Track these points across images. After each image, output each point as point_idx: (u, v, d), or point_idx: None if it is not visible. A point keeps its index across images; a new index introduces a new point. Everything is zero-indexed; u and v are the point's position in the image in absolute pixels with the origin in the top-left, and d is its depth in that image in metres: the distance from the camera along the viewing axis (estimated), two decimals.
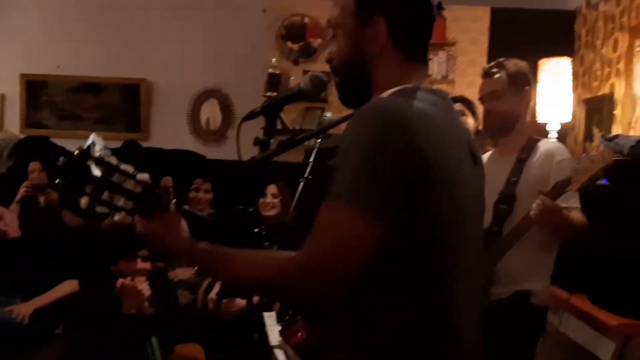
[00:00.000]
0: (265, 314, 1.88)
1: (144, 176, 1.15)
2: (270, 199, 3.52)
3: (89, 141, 1.11)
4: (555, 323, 2.48)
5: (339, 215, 1.01)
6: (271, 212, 3.50)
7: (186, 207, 1.23)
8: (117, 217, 1.16)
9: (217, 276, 1.21)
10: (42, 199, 4.05)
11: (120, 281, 2.75)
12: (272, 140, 1.50)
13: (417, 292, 1.06)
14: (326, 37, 1.24)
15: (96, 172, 1.10)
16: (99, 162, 1.10)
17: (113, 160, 1.12)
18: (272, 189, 3.54)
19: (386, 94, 1.15)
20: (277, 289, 1.08)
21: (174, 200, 1.21)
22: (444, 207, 1.06)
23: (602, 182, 2.08)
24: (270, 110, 1.45)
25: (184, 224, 1.20)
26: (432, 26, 1.21)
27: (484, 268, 2.09)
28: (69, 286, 3.25)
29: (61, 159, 1.09)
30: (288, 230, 2.76)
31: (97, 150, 1.11)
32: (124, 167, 1.14)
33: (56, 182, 1.09)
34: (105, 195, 1.12)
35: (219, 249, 1.14)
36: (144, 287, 2.74)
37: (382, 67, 1.18)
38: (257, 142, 1.49)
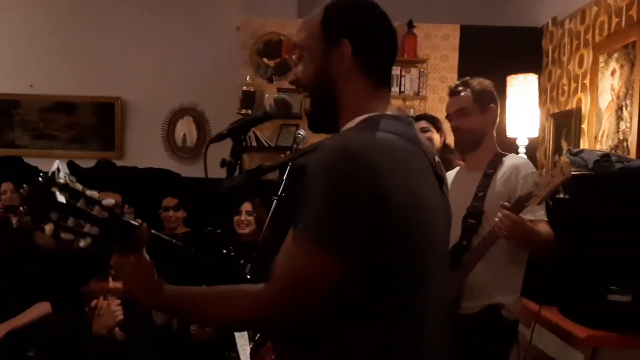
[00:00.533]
0: (237, 334, 1.89)
1: (109, 201, 1.15)
2: (245, 217, 3.53)
3: (54, 167, 1.13)
4: (526, 335, 2.52)
5: (302, 252, 1.04)
6: (246, 230, 3.51)
7: (153, 231, 1.23)
8: (82, 244, 1.15)
9: (187, 320, 1.25)
10: (14, 220, 4.00)
11: (94, 301, 2.71)
12: (239, 162, 1.52)
13: (382, 321, 1.08)
14: (292, 60, 1.26)
15: (61, 198, 1.10)
16: (64, 188, 1.11)
17: (78, 186, 1.12)
18: (246, 206, 3.55)
19: (353, 123, 1.17)
20: (246, 325, 1.17)
21: (144, 224, 1.21)
22: (409, 242, 1.09)
23: (562, 195, 2.14)
24: (237, 133, 1.47)
25: (150, 268, 1.20)
26: (395, 52, 1.25)
27: (451, 289, 2.12)
28: (41, 308, 3.19)
29: (25, 186, 1.09)
30: (262, 248, 2.77)
31: (62, 177, 1.11)
32: (90, 192, 1.14)
33: (20, 209, 1.09)
34: (71, 222, 1.13)
35: (187, 291, 1.17)
36: (118, 309, 2.70)
37: (348, 91, 1.19)
38: (224, 164, 1.51)
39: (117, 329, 2.69)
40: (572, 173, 2.07)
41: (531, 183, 2.11)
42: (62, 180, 1.10)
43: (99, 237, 1.14)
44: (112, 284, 2.80)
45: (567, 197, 2.25)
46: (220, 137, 1.50)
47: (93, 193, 1.14)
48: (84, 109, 5.32)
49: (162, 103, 5.24)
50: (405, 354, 1.11)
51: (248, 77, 4.60)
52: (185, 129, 5.35)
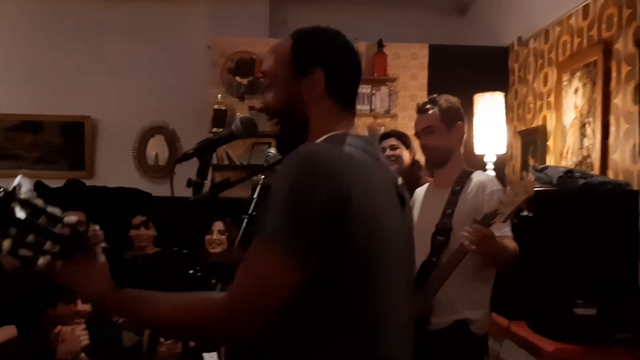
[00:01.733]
0: (206, 355, 1.87)
1: (71, 219, 1.14)
2: (217, 236, 3.51)
3: (15, 182, 1.10)
4: (496, 350, 2.54)
5: (262, 258, 1.04)
6: (217, 249, 3.49)
7: (120, 252, 1.22)
8: (40, 261, 1.13)
9: (142, 321, 1.19)
10: None
11: (58, 328, 2.64)
12: (205, 182, 1.52)
13: (342, 332, 1.09)
14: (260, 88, 1.27)
15: (20, 214, 1.08)
16: (25, 204, 1.09)
17: (39, 203, 1.11)
18: (218, 225, 3.54)
19: (318, 140, 1.19)
20: (200, 331, 1.09)
21: (104, 244, 1.20)
22: (369, 251, 1.10)
23: (525, 213, 2.18)
24: (203, 153, 1.48)
25: (104, 268, 1.16)
26: (360, 77, 1.28)
27: (419, 305, 2.14)
28: (6, 332, 3.11)
29: None
30: (233, 267, 2.75)
31: (23, 192, 1.10)
32: (51, 209, 1.12)
33: None
34: (30, 238, 1.11)
35: (143, 293, 1.13)
36: (83, 334, 2.63)
37: (317, 115, 1.22)
38: (190, 183, 1.51)
39: (82, 355, 2.63)
40: (535, 190, 2.12)
41: (497, 200, 2.15)
42: (23, 196, 1.09)
43: (59, 254, 1.13)
44: (80, 306, 2.74)
45: (530, 215, 2.29)
46: (186, 157, 1.51)
47: (54, 210, 1.13)
48: (50, 128, 5.25)
49: (133, 122, 5.21)
50: None
51: (219, 95, 4.61)
52: (157, 148, 5.31)
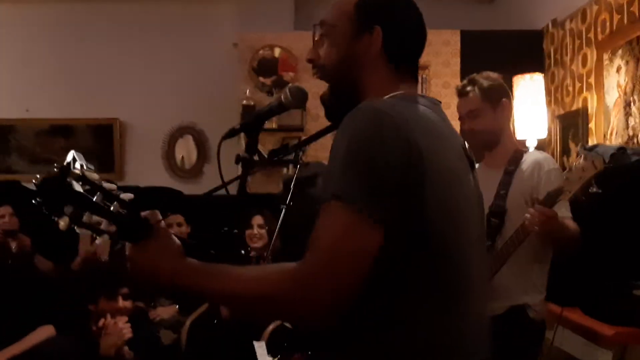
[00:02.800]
0: (256, 344, 1.80)
1: (127, 196, 1.07)
2: (257, 230, 3.45)
3: (69, 157, 1.04)
4: (549, 337, 2.44)
5: (337, 220, 0.94)
6: (258, 244, 3.42)
7: (176, 233, 1.15)
8: (98, 241, 1.06)
9: (210, 294, 1.08)
10: (13, 245, 3.92)
11: (102, 320, 2.61)
12: (254, 157, 1.44)
13: (423, 301, 1.00)
14: (315, 37, 1.20)
15: (78, 188, 1.02)
16: (80, 179, 1.02)
17: (95, 177, 1.04)
18: (257, 219, 3.47)
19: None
20: (276, 304, 0.98)
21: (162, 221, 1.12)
22: (448, 210, 1.01)
23: (594, 189, 2.07)
24: (250, 128, 1.40)
25: (177, 245, 1.09)
26: (423, 44, 1.20)
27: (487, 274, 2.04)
28: (45, 332, 3.10)
29: (37, 176, 1.00)
30: (273, 259, 2.69)
31: (78, 167, 1.03)
32: (107, 185, 1.06)
33: (32, 201, 1.00)
34: (87, 217, 1.04)
35: (214, 264, 1.06)
36: (126, 327, 2.60)
37: (372, 78, 1.15)
38: (238, 160, 1.43)
39: (125, 348, 2.59)
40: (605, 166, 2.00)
41: (555, 179, 2.05)
42: (78, 171, 1.02)
43: (115, 234, 1.06)
44: (121, 302, 2.72)
45: (600, 191, 2.18)
46: (233, 133, 1.43)
47: (111, 186, 1.06)
48: (81, 131, 5.25)
49: (161, 123, 5.19)
50: (449, 346, 1.03)
51: (248, 91, 4.56)
52: (185, 149, 5.29)
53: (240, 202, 1.63)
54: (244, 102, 4.52)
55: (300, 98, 1.37)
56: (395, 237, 0.95)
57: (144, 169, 5.17)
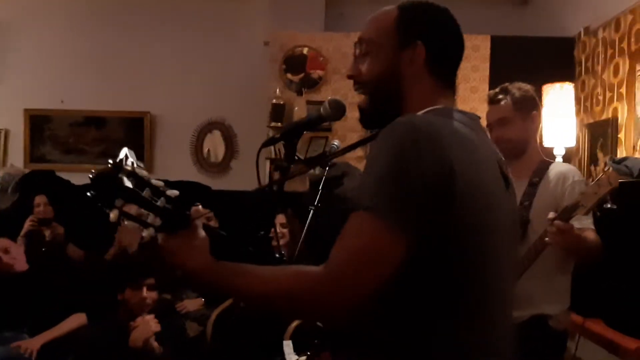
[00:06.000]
0: (285, 342, 1.86)
1: (174, 192, 1.14)
2: (279, 229, 3.50)
3: (122, 154, 1.11)
4: (571, 348, 2.45)
5: (364, 228, 1.00)
6: (280, 242, 3.48)
7: (209, 224, 1.22)
8: (145, 233, 1.14)
9: (239, 293, 1.14)
10: (47, 233, 4.03)
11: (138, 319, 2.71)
12: (292, 165, 1.50)
13: (444, 314, 1.04)
14: (355, 54, 1.24)
15: (128, 184, 1.09)
16: (131, 175, 1.10)
17: (145, 174, 1.12)
18: (280, 218, 3.53)
19: (419, 113, 1.15)
20: (302, 304, 1.04)
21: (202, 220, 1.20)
22: (476, 227, 1.04)
23: (609, 205, 2.09)
24: (290, 136, 1.46)
25: (205, 242, 1.17)
26: (461, 56, 1.24)
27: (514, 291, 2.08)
28: (77, 320, 3.21)
29: (93, 171, 1.08)
30: (299, 260, 2.74)
31: (129, 164, 1.10)
32: (155, 182, 1.13)
33: (87, 194, 1.07)
34: (135, 210, 1.12)
35: (240, 265, 1.12)
36: (154, 321, 2.70)
37: (415, 91, 1.18)
38: (277, 167, 1.49)
39: (154, 342, 2.68)
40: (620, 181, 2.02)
41: (578, 191, 2.06)
42: (129, 168, 1.09)
43: (161, 227, 1.13)
44: (146, 292, 2.81)
45: (614, 207, 2.20)
46: (273, 141, 1.49)
47: (158, 182, 1.13)
48: (113, 123, 5.37)
49: (191, 117, 5.28)
50: (475, 354, 1.06)
51: (278, 89, 4.61)
52: (212, 144, 5.36)
53: (269, 203, 1.68)
54: (274, 100, 4.57)
55: (339, 110, 1.42)
56: (423, 251, 1.00)
57: (173, 162, 5.26)
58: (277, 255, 1.57)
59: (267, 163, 4.33)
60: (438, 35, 1.19)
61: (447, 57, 1.21)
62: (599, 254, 2.09)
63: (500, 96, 2.28)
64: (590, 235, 2.10)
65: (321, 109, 1.42)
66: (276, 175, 4.58)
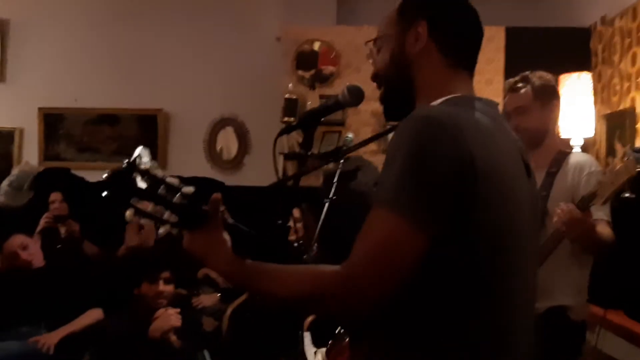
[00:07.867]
0: (303, 334, 1.85)
1: (189, 189, 1.14)
2: (294, 223, 3.49)
3: (136, 154, 1.11)
4: (591, 340, 2.42)
5: (383, 223, 0.99)
6: (293, 237, 3.47)
7: (230, 220, 1.22)
8: (161, 230, 1.14)
9: (261, 293, 1.14)
10: (62, 230, 4.06)
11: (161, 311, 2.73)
12: (308, 155, 1.49)
13: (466, 308, 1.02)
14: (372, 54, 1.24)
15: (142, 184, 1.09)
16: (145, 174, 1.10)
17: (159, 173, 1.12)
18: (295, 212, 3.52)
19: (435, 103, 1.13)
20: (325, 306, 1.04)
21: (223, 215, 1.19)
22: (497, 219, 1.03)
23: (627, 194, 2.05)
24: (307, 124, 1.45)
25: (227, 240, 1.17)
26: (480, 35, 1.21)
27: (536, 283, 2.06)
28: (94, 315, 3.23)
29: (107, 171, 1.09)
30: (316, 252, 2.73)
31: (144, 163, 1.10)
32: (170, 180, 1.13)
33: (102, 194, 1.08)
34: (151, 208, 1.11)
35: (263, 265, 1.12)
36: (175, 315, 2.71)
37: (425, 72, 1.16)
38: (293, 156, 1.48)
39: (172, 335, 2.69)
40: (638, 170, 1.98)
41: (595, 181, 2.04)
42: (144, 166, 1.10)
43: (177, 224, 1.13)
44: (162, 286, 2.82)
45: (633, 196, 2.16)
46: (290, 129, 1.48)
47: (173, 180, 1.13)
48: (126, 121, 5.38)
49: (204, 114, 5.27)
50: (493, 349, 1.05)
51: (290, 84, 4.60)
52: (225, 140, 5.36)
53: (286, 196, 1.67)
54: (287, 95, 4.56)
55: (357, 96, 1.41)
56: (444, 245, 0.99)
57: (186, 159, 5.27)
58: (294, 245, 1.57)
59: (282, 158, 4.33)
60: (442, 13, 1.17)
61: (455, 34, 1.18)
62: (609, 249, 2.07)
63: (520, 84, 2.25)
64: (603, 228, 2.07)
65: (339, 96, 1.41)
66: (291, 165, 4.60)
